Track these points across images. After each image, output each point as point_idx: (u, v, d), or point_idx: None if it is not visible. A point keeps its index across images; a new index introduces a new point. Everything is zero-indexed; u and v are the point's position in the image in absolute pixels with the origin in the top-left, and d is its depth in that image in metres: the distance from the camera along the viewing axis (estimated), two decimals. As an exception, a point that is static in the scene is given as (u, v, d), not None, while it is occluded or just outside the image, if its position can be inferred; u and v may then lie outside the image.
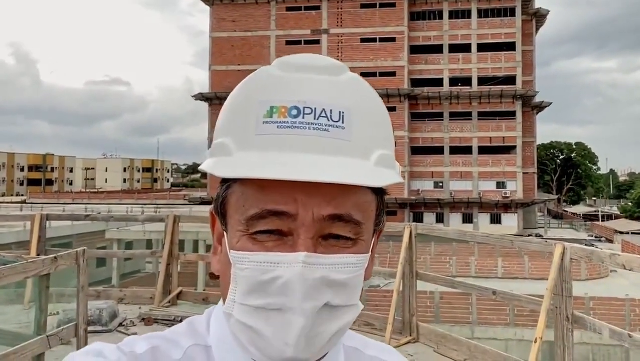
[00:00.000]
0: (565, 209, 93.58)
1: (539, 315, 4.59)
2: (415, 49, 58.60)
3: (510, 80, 57.04)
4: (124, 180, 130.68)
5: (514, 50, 57.30)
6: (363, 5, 57.97)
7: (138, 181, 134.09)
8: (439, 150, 57.50)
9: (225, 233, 0.69)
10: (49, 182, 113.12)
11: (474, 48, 58.12)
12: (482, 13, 58.34)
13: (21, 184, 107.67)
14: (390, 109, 56.32)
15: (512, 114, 56.61)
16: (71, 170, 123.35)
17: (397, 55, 57.16)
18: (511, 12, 57.75)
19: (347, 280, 0.64)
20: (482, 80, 57.77)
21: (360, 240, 0.66)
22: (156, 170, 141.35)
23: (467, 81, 58.34)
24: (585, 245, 14.44)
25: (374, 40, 57.52)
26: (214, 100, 56.75)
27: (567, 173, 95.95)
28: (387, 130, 0.71)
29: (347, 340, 0.78)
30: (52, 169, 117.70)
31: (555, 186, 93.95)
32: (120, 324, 6.76)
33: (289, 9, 59.19)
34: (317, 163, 0.61)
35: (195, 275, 25.25)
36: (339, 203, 0.63)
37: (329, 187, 0.61)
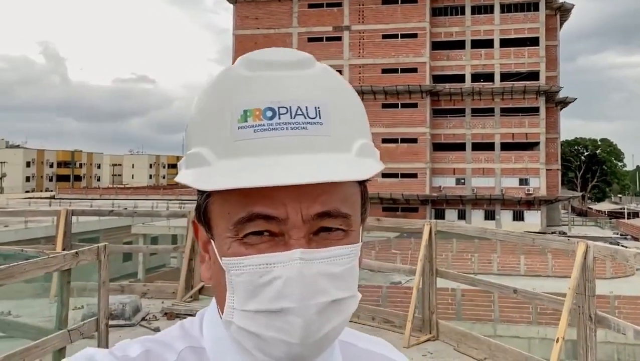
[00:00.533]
0: (590, 206, 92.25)
1: (561, 314, 4.54)
2: (437, 45, 58.21)
3: (534, 76, 56.33)
4: (150, 176, 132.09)
5: (538, 45, 56.55)
6: (385, 2, 57.70)
7: (164, 177, 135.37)
8: (461, 147, 57.07)
9: (212, 241, 0.67)
10: (78, 178, 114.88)
11: (496, 44, 57.51)
12: (505, 8, 57.66)
13: (50, 180, 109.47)
14: (412, 106, 56.09)
15: (535, 110, 55.92)
16: (99, 167, 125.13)
17: (418, 51, 56.80)
18: (535, 6, 57.00)
19: (344, 271, 0.64)
20: (505, 76, 57.14)
21: (350, 230, 0.66)
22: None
23: (489, 77, 57.75)
24: (610, 243, 14.23)
25: (395, 36, 57.23)
26: (236, 97, 56.92)
27: (592, 170, 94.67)
28: (363, 119, 0.70)
29: (341, 335, 0.75)
30: (81, 165, 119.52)
31: (579, 183, 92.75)
32: (143, 318, 6.84)
33: (310, 6, 59.17)
34: (301, 164, 0.60)
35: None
36: (326, 200, 0.63)
37: (314, 185, 0.60)
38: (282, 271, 0.61)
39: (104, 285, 3.71)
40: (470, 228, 6.76)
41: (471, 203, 55.51)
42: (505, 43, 57.37)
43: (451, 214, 55.64)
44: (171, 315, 6.98)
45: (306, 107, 0.63)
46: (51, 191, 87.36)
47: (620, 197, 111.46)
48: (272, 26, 59.10)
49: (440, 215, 54.44)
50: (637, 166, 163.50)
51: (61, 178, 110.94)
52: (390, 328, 6.63)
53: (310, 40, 58.54)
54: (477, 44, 57.90)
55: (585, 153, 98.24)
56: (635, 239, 50.59)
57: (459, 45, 58.22)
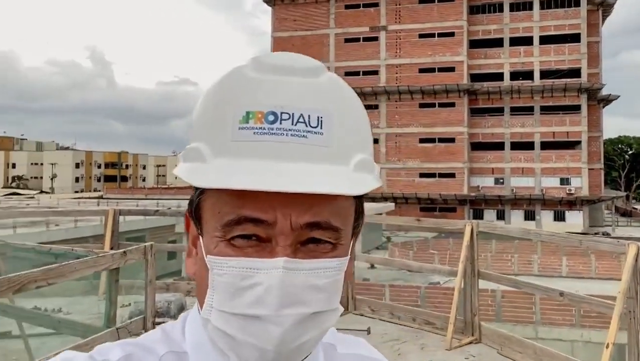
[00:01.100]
0: (635, 206, 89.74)
1: (608, 317, 4.41)
2: (474, 44, 57.54)
3: (575, 73, 55.16)
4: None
5: (579, 41, 55.37)
6: (421, 1, 57.33)
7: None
8: (499, 146, 56.26)
9: (200, 237, 0.67)
10: (124, 179, 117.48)
11: (536, 41, 56.51)
12: (545, 4, 56.62)
13: (98, 180, 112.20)
14: (449, 105, 55.55)
15: (576, 108, 54.73)
16: (144, 167, 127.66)
17: (456, 50, 56.24)
18: (576, 2, 55.80)
19: (328, 284, 0.63)
20: (545, 74, 56.13)
21: (339, 244, 0.65)
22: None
23: (528, 75, 56.79)
24: (658, 244, 13.78)
25: (432, 35, 56.79)
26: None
27: (636, 169, 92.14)
28: (366, 133, 0.68)
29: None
30: (127, 166, 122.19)
31: (623, 182, 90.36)
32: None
33: (347, 6, 59.20)
34: (295, 172, 0.60)
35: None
36: (317, 211, 0.62)
37: (308, 194, 0.60)
38: (264, 278, 0.60)
39: (150, 284, 3.77)
40: (513, 229, 6.64)
41: (510, 203, 54.65)
42: (545, 40, 56.35)
43: (490, 214, 54.87)
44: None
45: (309, 116, 0.62)
46: (99, 191, 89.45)
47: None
48: (309, 28, 59.32)
49: (478, 215, 53.74)
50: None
51: (108, 178, 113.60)
52: (432, 330, 6.55)
53: (347, 40, 58.58)
54: (515, 41, 57.02)
55: (629, 152, 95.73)
56: (683, 240, 48.96)
57: (497, 43, 57.42)
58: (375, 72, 57.79)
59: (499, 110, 56.68)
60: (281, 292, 0.60)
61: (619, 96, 58.99)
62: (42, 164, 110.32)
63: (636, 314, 4.21)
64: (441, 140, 55.42)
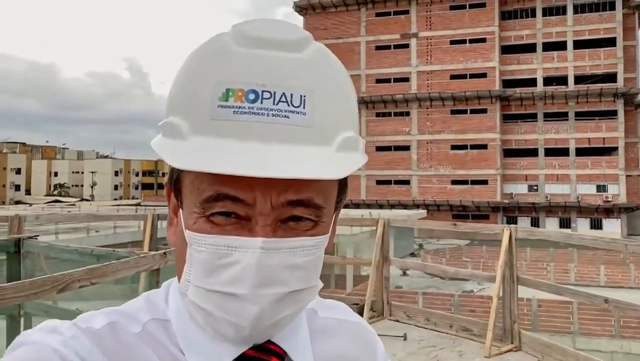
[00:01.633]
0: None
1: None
2: (506, 49, 56.89)
3: (611, 77, 54.07)
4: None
5: (615, 46, 54.26)
6: (452, 7, 56.98)
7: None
8: (533, 153, 55.41)
9: (181, 210, 0.66)
10: (160, 186, 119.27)
11: (569, 46, 55.60)
12: (579, 9, 55.71)
13: (136, 188, 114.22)
14: (481, 111, 54.99)
15: (613, 114, 53.60)
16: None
17: (487, 56, 55.69)
18: (611, 6, 54.77)
19: (307, 262, 0.63)
20: (580, 79, 55.14)
21: (321, 222, 0.64)
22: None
23: (562, 80, 55.87)
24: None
25: (463, 42, 56.36)
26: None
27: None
28: (351, 110, 0.66)
29: None
30: (163, 174, 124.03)
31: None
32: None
33: (378, 14, 59.20)
34: (275, 155, 0.58)
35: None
36: (298, 190, 0.61)
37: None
38: (242, 257, 0.60)
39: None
40: (553, 233, 6.50)
41: (545, 210, 53.72)
42: (579, 45, 55.41)
43: (523, 222, 53.99)
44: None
45: (291, 95, 0.60)
46: (137, 199, 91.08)
47: None
48: (341, 36, 59.46)
49: (512, 222, 52.78)
50: None
51: (145, 186, 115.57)
52: (469, 337, 6.45)
53: (378, 48, 58.56)
54: (549, 46, 56.22)
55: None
56: None
57: (530, 48, 56.69)
58: (407, 79, 57.57)
59: (532, 116, 55.86)
60: (259, 272, 0.59)
61: (657, 101, 57.61)
62: (82, 172, 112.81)
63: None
64: (473, 146, 54.84)
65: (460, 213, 54.33)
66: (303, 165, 0.58)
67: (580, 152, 54.14)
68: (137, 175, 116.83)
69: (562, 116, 55.06)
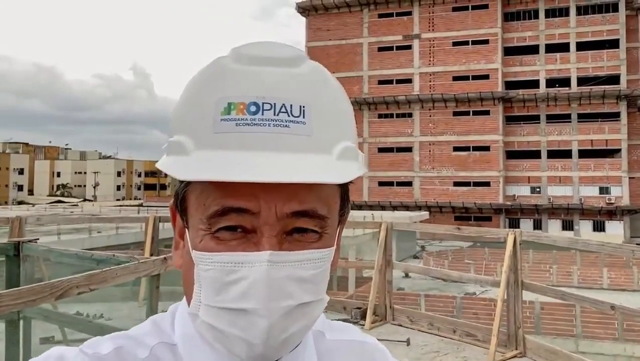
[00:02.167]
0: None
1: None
2: (509, 51, 56.83)
3: (614, 79, 53.97)
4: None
5: (618, 47, 54.17)
6: (455, 9, 56.92)
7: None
8: (535, 155, 55.31)
9: (187, 230, 0.67)
10: (163, 187, 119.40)
11: (572, 47, 55.51)
12: (582, 10, 55.61)
13: (139, 189, 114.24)
14: (484, 113, 54.90)
15: (616, 115, 53.50)
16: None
17: (490, 57, 55.62)
18: (614, 7, 54.67)
19: (314, 275, 0.63)
20: (582, 81, 55.03)
21: (325, 233, 0.65)
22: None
23: (565, 82, 55.76)
24: None
25: (466, 43, 56.28)
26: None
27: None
28: (349, 122, 0.68)
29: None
30: (166, 175, 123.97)
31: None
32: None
33: (380, 15, 59.15)
34: (278, 162, 0.59)
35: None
36: (302, 199, 0.62)
37: (290, 183, 0.59)
38: (249, 272, 0.60)
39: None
40: (559, 239, 6.44)
41: (547, 212, 53.60)
42: (582, 46, 55.31)
43: (526, 224, 53.88)
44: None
45: (291, 105, 0.62)
46: (139, 199, 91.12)
47: None
48: (343, 37, 59.42)
49: (514, 224, 52.81)
50: None
51: (148, 187, 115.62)
52: (473, 342, 6.39)
53: (381, 49, 58.50)
54: (551, 48, 56.12)
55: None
56: None
57: (533, 50, 56.61)
58: (409, 81, 57.50)
59: (535, 118, 55.76)
60: (267, 285, 0.60)
61: (660, 103, 57.45)
62: (85, 173, 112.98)
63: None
64: (476, 148, 54.76)
65: (463, 215, 54.24)
66: (305, 171, 0.59)
67: (583, 153, 54.03)
68: (139, 175, 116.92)
69: (565, 118, 54.95)
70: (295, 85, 0.63)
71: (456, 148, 55.41)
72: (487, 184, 54.28)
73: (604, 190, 52.86)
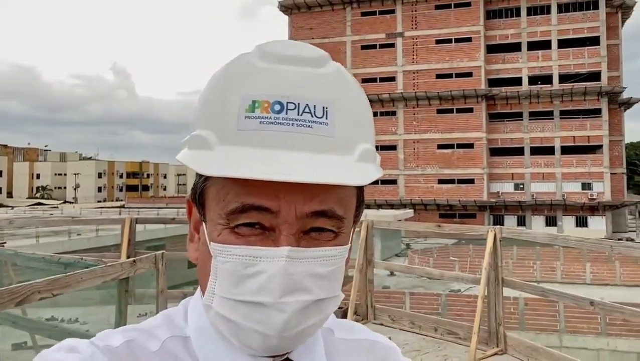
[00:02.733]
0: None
1: (636, 325, 4.18)
2: (492, 49, 57.11)
3: (595, 76, 54.44)
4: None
5: (598, 45, 54.64)
6: (438, 7, 57.07)
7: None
8: (519, 151, 55.65)
9: (204, 223, 0.68)
10: (145, 188, 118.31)
11: (554, 45, 55.91)
12: (563, 8, 56.04)
13: (120, 190, 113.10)
14: (467, 110, 55.14)
15: (597, 112, 53.98)
16: (165, 176, 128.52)
17: (473, 55, 55.86)
18: (594, 5, 55.13)
19: (330, 272, 0.65)
20: (564, 78, 55.46)
21: (341, 233, 0.66)
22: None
23: (547, 79, 56.17)
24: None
25: (449, 41, 56.47)
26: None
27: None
28: (369, 124, 0.70)
29: None
30: (148, 175, 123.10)
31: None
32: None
33: (363, 14, 59.16)
34: (300, 162, 0.60)
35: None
36: (322, 200, 0.63)
37: (312, 183, 0.60)
38: (267, 267, 0.61)
39: (162, 294, 3.63)
40: (540, 235, 6.41)
41: (531, 209, 53.96)
42: (563, 44, 55.73)
43: (510, 220, 54.22)
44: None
45: (314, 106, 0.63)
46: (121, 201, 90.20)
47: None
48: (326, 35, 59.33)
49: (498, 221, 53.14)
50: None
51: (130, 188, 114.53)
52: (454, 340, 6.34)
53: (364, 47, 58.52)
54: (533, 45, 56.49)
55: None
56: None
57: (515, 47, 56.94)
58: (393, 79, 57.58)
59: (518, 115, 56.10)
60: (284, 280, 0.61)
61: (640, 99, 58.09)
62: (65, 174, 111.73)
63: (675, 323, 3.97)
64: (460, 145, 54.99)
65: (447, 212, 54.45)
66: (327, 172, 0.60)
67: (566, 150, 54.45)
68: (121, 176, 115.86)
69: (548, 115, 55.35)
70: (319, 85, 0.65)
71: (440, 146, 55.60)
72: (471, 181, 54.52)
73: (586, 186, 53.33)
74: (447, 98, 55.20)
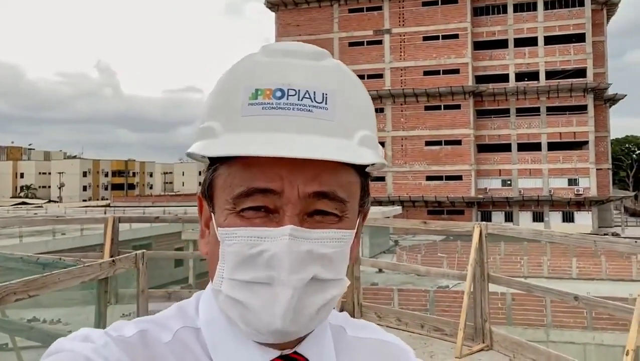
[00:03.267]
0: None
1: (621, 319, 4.18)
2: (479, 45, 57.33)
3: (581, 73, 54.81)
4: (200, 183, 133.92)
5: (584, 41, 55.04)
6: (425, 4, 57.17)
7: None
8: (506, 148, 55.94)
9: (213, 214, 0.70)
10: (131, 187, 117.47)
11: (540, 41, 56.23)
12: (549, 5, 56.36)
13: (106, 189, 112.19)
14: (455, 107, 55.29)
15: (583, 108, 54.37)
16: (151, 175, 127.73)
17: (460, 52, 56.03)
18: (580, 2, 55.50)
19: (333, 254, 0.66)
20: (550, 74, 55.79)
21: (345, 217, 0.68)
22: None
23: (534, 76, 56.49)
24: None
25: (436, 38, 56.61)
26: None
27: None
28: (369, 114, 0.72)
29: (332, 319, 0.79)
30: (134, 174, 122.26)
31: (631, 182, 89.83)
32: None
33: (351, 10, 59.13)
34: (301, 142, 0.63)
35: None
36: (324, 181, 0.65)
37: (313, 165, 0.63)
38: (271, 245, 0.63)
39: (142, 294, 3.58)
40: (525, 231, 6.40)
41: (518, 204, 54.28)
42: (549, 40, 56.06)
43: (498, 216, 54.51)
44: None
45: (314, 92, 0.66)
46: (107, 200, 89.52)
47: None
48: (313, 32, 59.22)
49: (486, 217, 53.40)
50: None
51: (116, 187, 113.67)
52: (441, 337, 6.33)
53: (352, 44, 58.48)
54: (520, 42, 56.78)
55: (637, 152, 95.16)
56: (694, 239, 48.34)
57: (502, 44, 57.19)
58: (380, 76, 57.60)
59: (505, 112, 56.38)
60: (288, 258, 0.62)
61: (625, 95, 58.56)
62: (49, 173, 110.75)
63: (658, 318, 3.98)
64: (447, 142, 55.16)
65: (436, 209, 54.60)
66: (326, 150, 0.63)
67: (552, 146, 54.80)
68: (106, 175, 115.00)
69: (534, 111, 55.67)
70: (319, 75, 0.68)
71: (428, 143, 55.73)
72: (459, 178, 54.73)
73: (572, 182, 53.72)
74: (434, 95, 55.32)
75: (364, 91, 0.73)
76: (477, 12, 57.77)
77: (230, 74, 0.70)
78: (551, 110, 55.11)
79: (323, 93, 0.66)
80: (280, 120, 0.64)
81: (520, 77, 56.80)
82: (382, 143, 56.14)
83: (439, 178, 55.16)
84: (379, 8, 58.31)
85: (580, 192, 52.77)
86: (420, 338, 6.37)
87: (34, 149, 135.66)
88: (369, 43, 58.17)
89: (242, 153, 0.62)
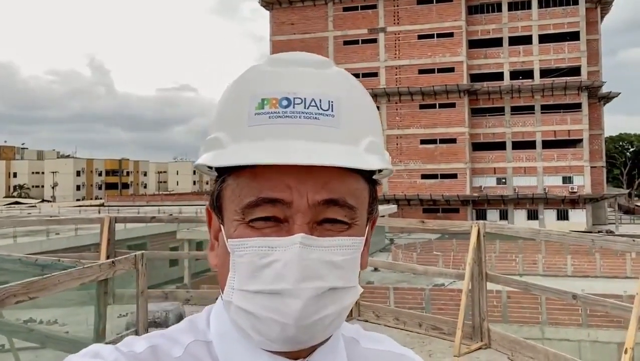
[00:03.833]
0: (638, 204, 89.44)
1: (615, 316, 4.19)
2: (473, 44, 57.39)
3: (575, 71, 54.97)
4: (194, 183, 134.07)
5: (578, 40, 55.20)
6: (420, 2, 57.19)
7: (207, 183, 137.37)
8: (501, 146, 56.05)
9: (222, 226, 0.70)
10: (125, 186, 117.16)
11: (535, 40, 56.36)
12: (543, 3, 56.49)
13: (100, 188, 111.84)
14: (450, 105, 55.36)
15: (577, 106, 54.53)
16: (145, 174, 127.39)
17: (455, 50, 56.09)
18: (574, 0, 55.64)
19: (344, 261, 0.65)
20: (545, 73, 55.95)
21: (355, 224, 0.68)
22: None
23: (528, 74, 56.63)
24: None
25: (431, 36, 56.64)
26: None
27: (638, 167, 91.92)
28: (375, 120, 0.72)
29: (345, 330, 0.79)
30: (128, 173, 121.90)
31: (625, 180, 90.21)
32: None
33: (345, 9, 59.07)
34: (309, 149, 0.63)
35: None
36: (332, 188, 0.65)
37: (321, 172, 0.63)
38: (282, 255, 0.63)
39: (142, 295, 3.56)
40: (522, 230, 6.42)
41: (513, 203, 54.40)
42: (544, 39, 56.21)
43: (493, 214, 54.63)
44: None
45: (320, 100, 0.66)
46: (100, 199, 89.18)
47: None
48: (308, 31, 59.16)
49: (481, 215, 53.50)
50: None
51: (109, 186, 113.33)
52: (439, 336, 6.34)
53: (346, 43, 58.44)
54: (515, 40, 56.88)
55: (631, 150, 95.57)
56: (688, 237, 48.54)
57: (497, 42, 57.28)
58: (375, 74, 57.60)
59: (500, 110, 56.49)
60: (299, 267, 0.62)
61: (619, 93, 58.79)
62: (43, 173, 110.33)
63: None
64: (442, 141, 55.23)
65: (431, 207, 54.68)
66: (333, 156, 0.63)
67: (547, 144, 54.97)
68: (100, 174, 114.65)
69: (529, 109, 55.80)
70: (324, 83, 0.68)
71: (423, 141, 55.79)
72: (454, 176, 54.82)
73: (566, 180, 53.88)
74: (429, 93, 55.38)
75: (369, 98, 0.73)
76: (472, 10, 57.82)
77: (235, 84, 0.70)
78: (546, 108, 55.25)
79: (329, 101, 0.66)
80: (287, 128, 0.64)
81: (514, 75, 56.93)
82: (377, 142, 56.10)
83: (434, 176, 55.23)
84: (374, 6, 58.29)
85: (574, 190, 52.94)
86: (418, 337, 6.39)
87: (27, 148, 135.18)
88: (364, 41, 58.14)
89: (249, 162, 0.62)
